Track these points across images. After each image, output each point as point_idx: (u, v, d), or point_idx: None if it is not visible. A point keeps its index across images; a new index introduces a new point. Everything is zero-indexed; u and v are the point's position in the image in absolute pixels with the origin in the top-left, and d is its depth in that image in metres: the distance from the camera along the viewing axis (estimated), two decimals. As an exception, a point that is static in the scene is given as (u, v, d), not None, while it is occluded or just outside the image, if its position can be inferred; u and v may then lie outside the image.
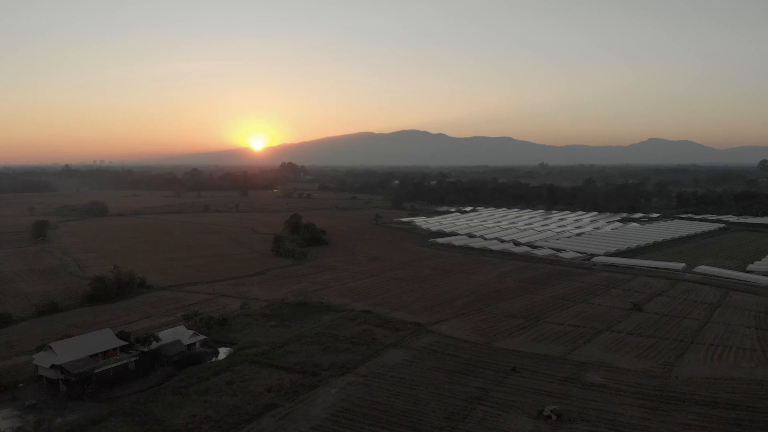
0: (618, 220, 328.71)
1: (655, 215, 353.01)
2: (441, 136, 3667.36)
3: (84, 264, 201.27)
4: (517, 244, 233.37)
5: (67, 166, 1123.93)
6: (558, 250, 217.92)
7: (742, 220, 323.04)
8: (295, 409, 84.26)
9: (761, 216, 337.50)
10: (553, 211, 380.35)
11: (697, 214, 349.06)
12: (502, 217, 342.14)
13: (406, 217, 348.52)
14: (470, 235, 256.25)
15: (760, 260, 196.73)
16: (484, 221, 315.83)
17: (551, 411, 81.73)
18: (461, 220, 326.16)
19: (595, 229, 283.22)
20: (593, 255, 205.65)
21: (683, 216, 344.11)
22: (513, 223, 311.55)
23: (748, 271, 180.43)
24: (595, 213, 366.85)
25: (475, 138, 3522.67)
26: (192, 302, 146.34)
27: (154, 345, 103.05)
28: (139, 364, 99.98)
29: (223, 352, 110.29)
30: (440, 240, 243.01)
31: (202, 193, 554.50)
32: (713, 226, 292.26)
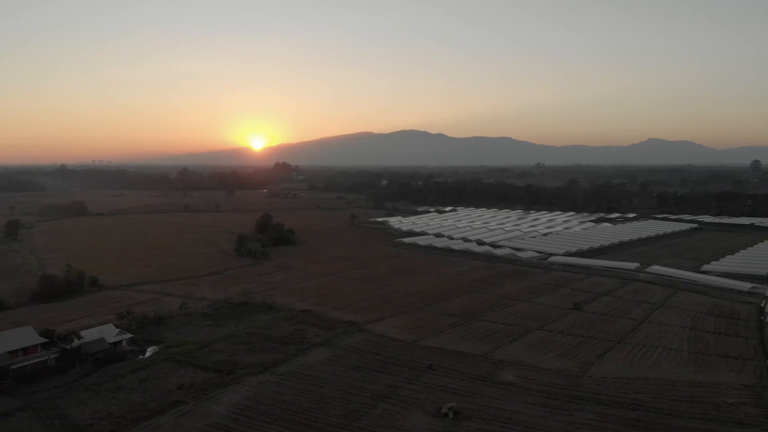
0: (592, 220, 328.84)
1: (632, 215, 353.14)
2: (440, 136, 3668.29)
3: (47, 263, 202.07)
4: (480, 243, 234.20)
5: (63, 165, 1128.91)
6: (517, 249, 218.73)
7: (717, 220, 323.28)
8: (198, 406, 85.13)
9: (738, 216, 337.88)
10: (532, 211, 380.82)
11: (674, 215, 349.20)
12: (477, 217, 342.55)
13: (385, 217, 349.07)
14: (438, 235, 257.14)
15: (717, 260, 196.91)
16: (458, 221, 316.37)
17: (448, 409, 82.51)
18: (436, 220, 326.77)
19: (566, 229, 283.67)
20: (551, 254, 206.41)
21: (659, 216, 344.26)
22: (486, 223, 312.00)
23: (702, 272, 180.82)
24: (572, 213, 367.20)
25: (475, 138, 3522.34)
26: (138, 301, 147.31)
27: (76, 342, 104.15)
28: (60, 361, 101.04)
29: (149, 351, 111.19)
30: (406, 240, 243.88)
31: (188, 193, 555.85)
32: (685, 226, 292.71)
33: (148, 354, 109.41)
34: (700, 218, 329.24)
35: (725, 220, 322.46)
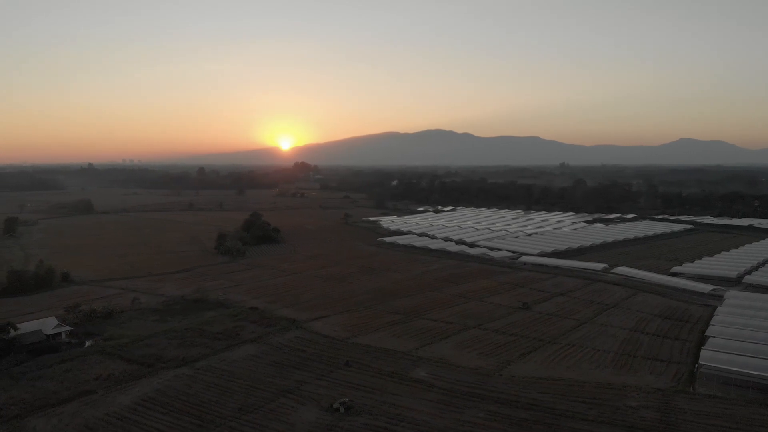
0: (588, 221, 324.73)
1: (631, 216, 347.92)
2: (467, 136, 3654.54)
3: (33, 259, 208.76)
4: (459, 243, 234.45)
5: (90, 164, 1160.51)
6: (492, 249, 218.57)
7: (717, 221, 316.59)
8: (106, 396, 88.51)
9: (740, 217, 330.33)
10: (532, 212, 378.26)
11: (675, 215, 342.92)
12: (473, 216, 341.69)
13: (380, 216, 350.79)
14: (422, 234, 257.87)
15: (692, 262, 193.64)
16: (450, 221, 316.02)
17: (340, 404, 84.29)
18: (429, 219, 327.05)
19: (555, 229, 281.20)
20: (524, 254, 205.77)
21: (658, 217, 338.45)
22: (478, 222, 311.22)
23: (672, 273, 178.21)
24: (571, 213, 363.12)
25: (502, 138, 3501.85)
26: (101, 296, 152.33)
27: (13, 333, 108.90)
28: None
29: (88, 344, 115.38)
30: (387, 239, 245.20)
31: (201, 192, 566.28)
32: (679, 227, 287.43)
33: (86, 346, 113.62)
34: (700, 219, 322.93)
35: (725, 221, 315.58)
